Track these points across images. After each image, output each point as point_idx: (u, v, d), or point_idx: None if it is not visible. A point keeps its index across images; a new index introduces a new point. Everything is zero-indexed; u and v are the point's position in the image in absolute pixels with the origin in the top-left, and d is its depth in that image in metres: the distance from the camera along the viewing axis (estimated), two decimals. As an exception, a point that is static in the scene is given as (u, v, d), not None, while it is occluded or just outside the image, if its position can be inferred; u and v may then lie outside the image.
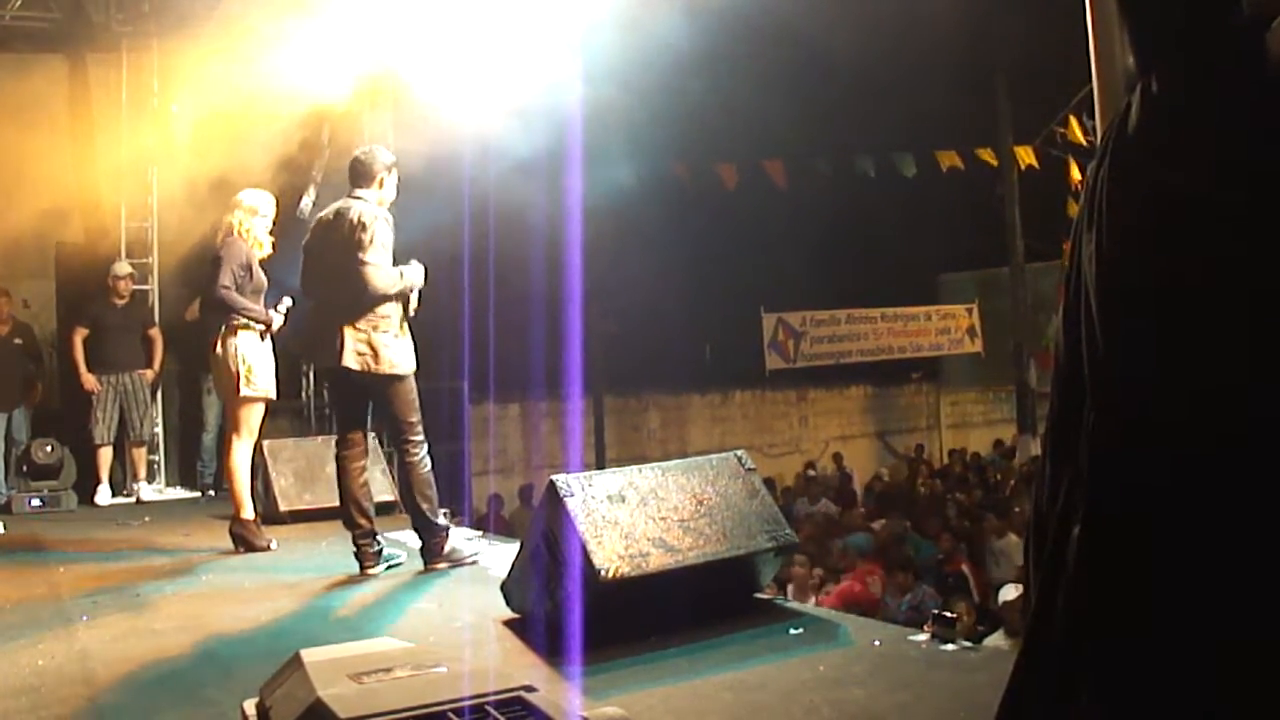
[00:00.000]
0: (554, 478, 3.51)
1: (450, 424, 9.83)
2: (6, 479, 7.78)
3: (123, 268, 8.07)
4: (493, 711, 2.08)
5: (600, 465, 13.27)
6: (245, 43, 6.93)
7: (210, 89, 7.32)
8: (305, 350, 5.02)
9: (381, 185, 4.90)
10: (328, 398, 5.13)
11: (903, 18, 11.23)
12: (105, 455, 7.82)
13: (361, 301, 4.68)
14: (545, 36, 6.52)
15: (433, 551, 4.78)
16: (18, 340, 7.99)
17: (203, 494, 8.11)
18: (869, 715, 2.76)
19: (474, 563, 4.88)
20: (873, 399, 18.03)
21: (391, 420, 4.86)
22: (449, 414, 9.90)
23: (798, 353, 16.42)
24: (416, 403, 4.81)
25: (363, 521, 4.83)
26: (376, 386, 4.75)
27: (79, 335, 7.82)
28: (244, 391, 5.51)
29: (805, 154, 14.71)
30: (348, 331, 4.64)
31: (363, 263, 4.63)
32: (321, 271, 4.85)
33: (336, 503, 6.49)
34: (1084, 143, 13.85)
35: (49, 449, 7.78)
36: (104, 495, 7.75)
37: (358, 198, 4.83)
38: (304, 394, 9.55)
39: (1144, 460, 1.42)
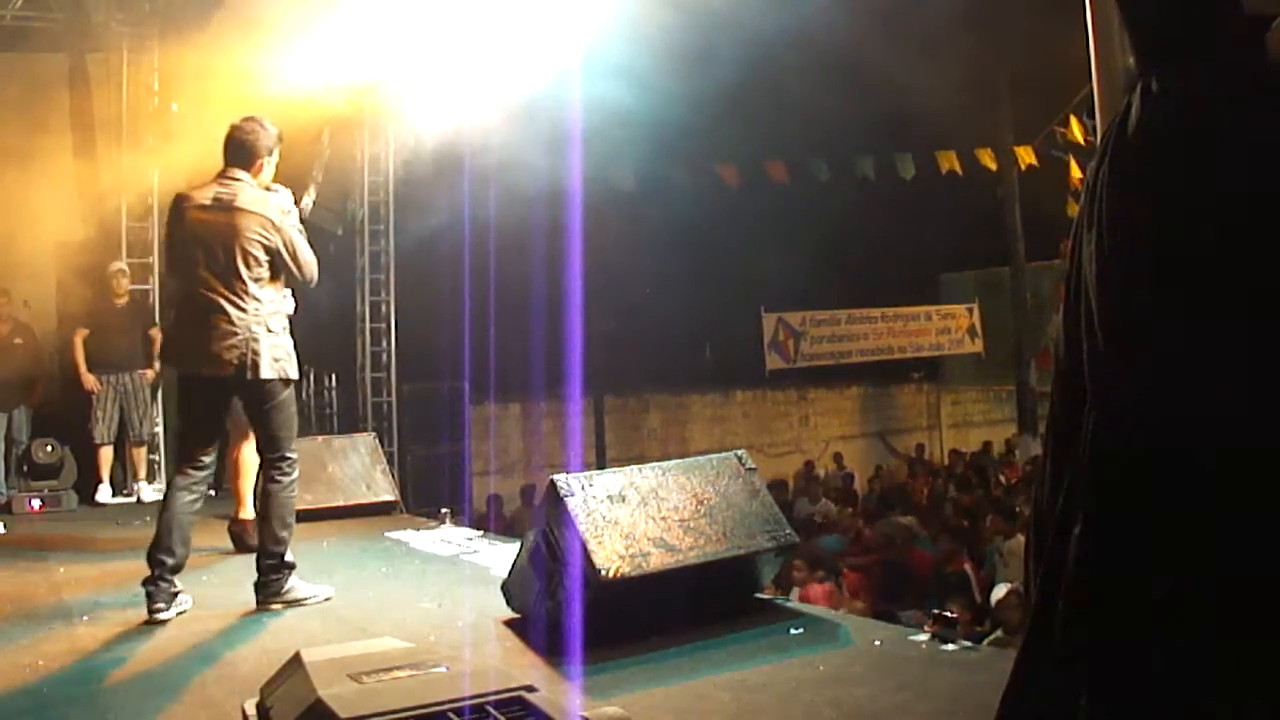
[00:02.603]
0: (554, 477, 3.51)
1: (451, 424, 9.84)
2: (7, 479, 7.77)
3: (116, 264, 8.07)
4: (493, 711, 2.08)
5: (600, 465, 13.27)
6: (245, 42, 6.93)
7: (210, 89, 7.32)
8: (180, 354, 4.24)
9: (261, 170, 4.32)
10: (195, 410, 4.27)
11: (903, 18, 11.23)
12: (105, 455, 7.82)
13: (277, 302, 4.23)
14: (546, 37, 6.53)
15: (270, 590, 4.16)
16: (18, 340, 7.98)
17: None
18: (869, 715, 2.76)
19: (316, 603, 4.23)
20: (873, 399, 18.02)
21: (274, 436, 4.22)
22: (449, 414, 9.91)
23: (798, 353, 16.43)
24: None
25: (175, 555, 4.05)
26: (273, 397, 4.18)
27: (79, 335, 7.80)
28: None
29: (805, 154, 14.71)
30: (265, 338, 4.12)
31: (296, 259, 4.22)
32: (212, 265, 4.13)
33: (337, 503, 6.57)
34: (1084, 143, 13.86)
35: (49, 449, 7.78)
36: (104, 495, 7.74)
37: (238, 179, 4.23)
38: (304, 394, 9.56)
39: (1144, 460, 1.42)
